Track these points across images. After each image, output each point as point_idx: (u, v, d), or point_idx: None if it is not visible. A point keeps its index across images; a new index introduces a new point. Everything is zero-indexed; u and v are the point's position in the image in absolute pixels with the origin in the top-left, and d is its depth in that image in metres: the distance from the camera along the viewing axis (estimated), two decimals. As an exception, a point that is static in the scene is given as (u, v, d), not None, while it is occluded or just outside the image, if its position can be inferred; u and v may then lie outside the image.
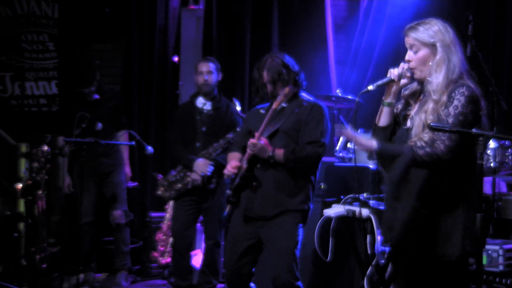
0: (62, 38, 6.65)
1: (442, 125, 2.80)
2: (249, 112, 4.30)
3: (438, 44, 2.98)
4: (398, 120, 3.14)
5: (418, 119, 2.97)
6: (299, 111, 3.91)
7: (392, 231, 3.02)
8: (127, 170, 5.73)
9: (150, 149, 5.19)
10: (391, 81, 3.08)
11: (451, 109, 2.88)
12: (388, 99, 3.10)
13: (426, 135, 2.91)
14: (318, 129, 3.87)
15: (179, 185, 5.02)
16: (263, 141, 3.76)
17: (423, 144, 2.89)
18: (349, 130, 3.17)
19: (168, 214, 5.80)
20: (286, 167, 3.82)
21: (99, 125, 5.28)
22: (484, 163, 2.76)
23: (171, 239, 5.60)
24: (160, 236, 5.83)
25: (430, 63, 2.99)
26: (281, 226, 3.83)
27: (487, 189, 4.67)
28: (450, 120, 2.86)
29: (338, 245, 4.07)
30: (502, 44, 5.57)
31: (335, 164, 5.33)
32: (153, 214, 6.05)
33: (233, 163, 3.97)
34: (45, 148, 5.00)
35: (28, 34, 6.67)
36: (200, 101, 5.12)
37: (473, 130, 2.74)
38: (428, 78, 3.01)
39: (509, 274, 4.13)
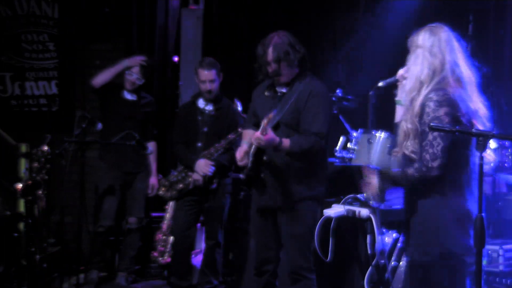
0: (62, 38, 6.65)
1: (442, 125, 2.81)
2: (255, 91, 4.18)
3: (415, 51, 3.05)
4: None
5: (400, 127, 3.03)
6: (297, 99, 3.86)
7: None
8: (155, 181, 5.68)
9: (150, 149, 5.18)
10: (396, 80, 3.20)
11: (424, 117, 2.92)
12: (398, 97, 3.20)
13: (410, 147, 2.96)
14: (319, 119, 3.86)
15: (181, 185, 5.02)
16: (269, 134, 3.73)
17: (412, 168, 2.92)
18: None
19: (168, 214, 5.80)
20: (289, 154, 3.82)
21: (99, 125, 5.28)
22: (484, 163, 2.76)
23: (171, 239, 5.60)
24: (160, 236, 5.82)
25: None
26: (295, 216, 3.89)
27: (487, 189, 4.67)
28: (435, 133, 2.88)
29: (338, 245, 4.07)
30: (502, 44, 5.57)
31: (335, 164, 5.32)
32: (153, 214, 6.05)
33: (239, 154, 3.96)
34: (45, 148, 5.01)
35: (28, 34, 6.67)
36: (202, 102, 5.11)
37: (473, 130, 2.74)
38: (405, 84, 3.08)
39: (509, 274, 4.13)
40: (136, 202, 5.56)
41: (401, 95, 3.19)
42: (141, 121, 5.53)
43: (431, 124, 2.80)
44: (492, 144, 4.65)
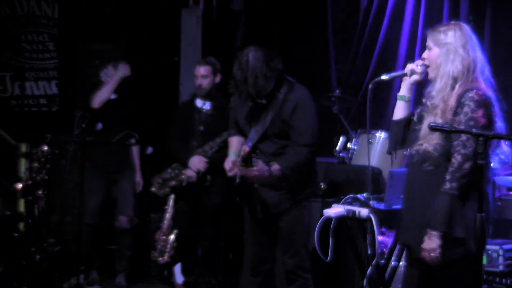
0: (62, 38, 6.65)
1: (441, 125, 2.81)
2: (234, 98, 4.14)
3: (446, 47, 3.01)
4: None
5: (427, 122, 2.98)
6: (280, 110, 3.86)
7: (410, 232, 3.06)
8: (139, 177, 5.70)
9: (150, 149, 5.19)
10: (404, 74, 3.17)
11: (461, 116, 2.91)
12: (401, 93, 3.19)
13: (434, 141, 2.94)
14: (308, 130, 3.85)
15: (174, 183, 5.02)
16: (257, 167, 3.72)
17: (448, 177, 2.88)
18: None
19: (168, 214, 5.79)
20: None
21: (99, 125, 5.29)
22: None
23: (171, 239, 5.60)
24: (160, 236, 5.82)
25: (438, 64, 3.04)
26: (289, 217, 3.91)
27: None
28: (462, 127, 2.87)
29: (338, 245, 4.07)
30: (502, 43, 5.56)
31: (335, 164, 5.32)
32: (153, 214, 6.05)
33: (227, 164, 3.95)
34: (45, 148, 5.01)
35: (28, 34, 6.67)
36: (200, 101, 5.13)
37: (473, 130, 2.74)
38: (434, 82, 3.05)
39: (509, 274, 4.12)
40: (125, 201, 5.56)
41: (404, 91, 3.19)
42: (125, 118, 5.52)
43: (431, 124, 2.80)
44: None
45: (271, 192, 3.91)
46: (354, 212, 3.96)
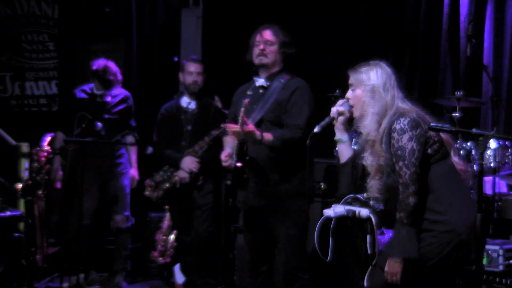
0: (62, 38, 6.66)
1: (442, 125, 2.82)
2: (235, 94, 4.22)
3: (369, 87, 3.09)
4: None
5: (370, 162, 3.08)
6: (280, 94, 3.88)
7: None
8: (135, 173, 5.71)
9: (150, 149, 5.19)
10: (332, 120, 3.26)
11: (393, 151, 2.98)
12: (337, 136, 3.28)
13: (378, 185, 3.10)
14: (302, 113, 3.85)
15: (167, 185, 5.01)
16: (250, 126, 3.69)
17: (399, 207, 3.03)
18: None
19: (168, 214, 5.80)
20: (272, 148, 3.82)
21: (99, 125, 5.29)
22: (484, 163, 2.77)
23: (171, 239, 5.59)
24: (159, 236, 5.82)
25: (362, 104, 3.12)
26: (285, 216, 3.87)
27: (487, 189, 4.67)
28: (400, 163, 2.95)
29: (338, 245, 4.07)
30: (502, 43, 5.56)
31: (335, 164, 5.32)
32: (153, 214, 6.05)
33: (224, 155, 3.96)
34: (45, 148, 5.01)
35: (28, 34, 6.67)
36: (185, 101, 5.15)
37: (473, 130, 2.74)
38: (360, 121, 3.13)
39: (509, 274, 4.13)
40: (119, 201, 5.55)
41: (339, 133, 3.27)
42: (117, 119, 5.52)
43: (431, 124, 2.81)
44: (492, 144, 4.65)
45: (258, 182, 3.88)
46: (354, 212, 3.96)
